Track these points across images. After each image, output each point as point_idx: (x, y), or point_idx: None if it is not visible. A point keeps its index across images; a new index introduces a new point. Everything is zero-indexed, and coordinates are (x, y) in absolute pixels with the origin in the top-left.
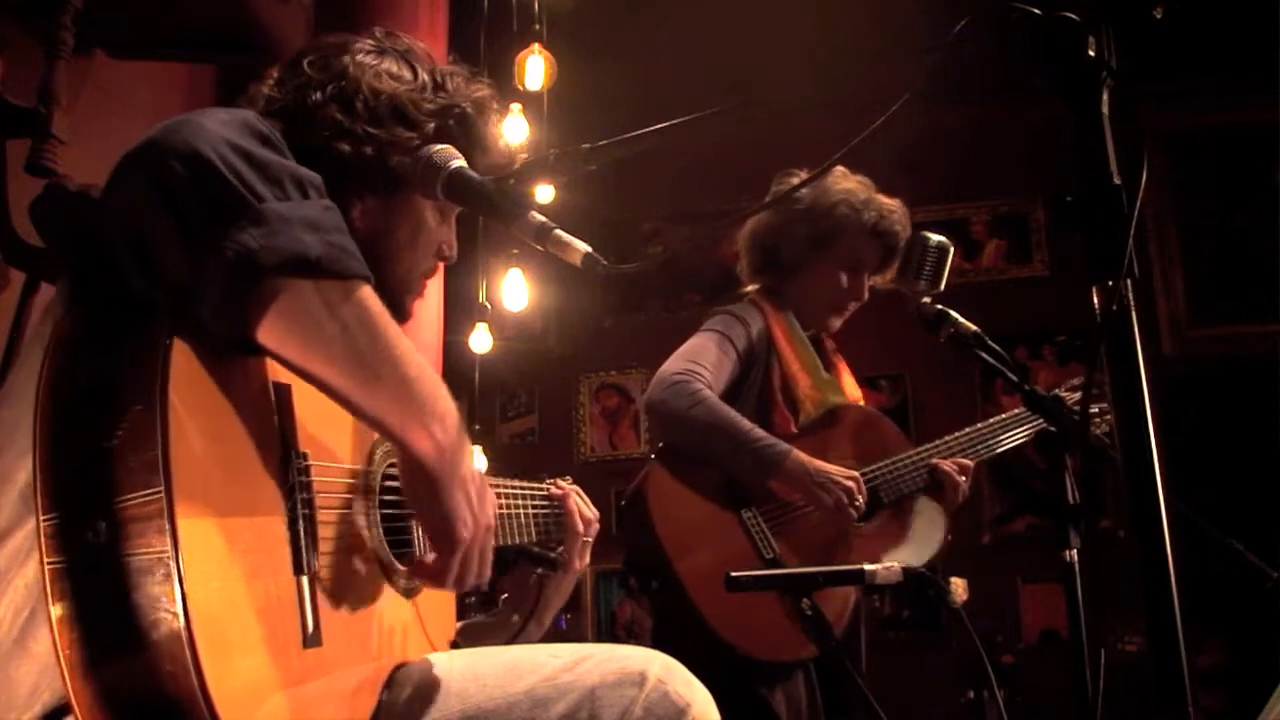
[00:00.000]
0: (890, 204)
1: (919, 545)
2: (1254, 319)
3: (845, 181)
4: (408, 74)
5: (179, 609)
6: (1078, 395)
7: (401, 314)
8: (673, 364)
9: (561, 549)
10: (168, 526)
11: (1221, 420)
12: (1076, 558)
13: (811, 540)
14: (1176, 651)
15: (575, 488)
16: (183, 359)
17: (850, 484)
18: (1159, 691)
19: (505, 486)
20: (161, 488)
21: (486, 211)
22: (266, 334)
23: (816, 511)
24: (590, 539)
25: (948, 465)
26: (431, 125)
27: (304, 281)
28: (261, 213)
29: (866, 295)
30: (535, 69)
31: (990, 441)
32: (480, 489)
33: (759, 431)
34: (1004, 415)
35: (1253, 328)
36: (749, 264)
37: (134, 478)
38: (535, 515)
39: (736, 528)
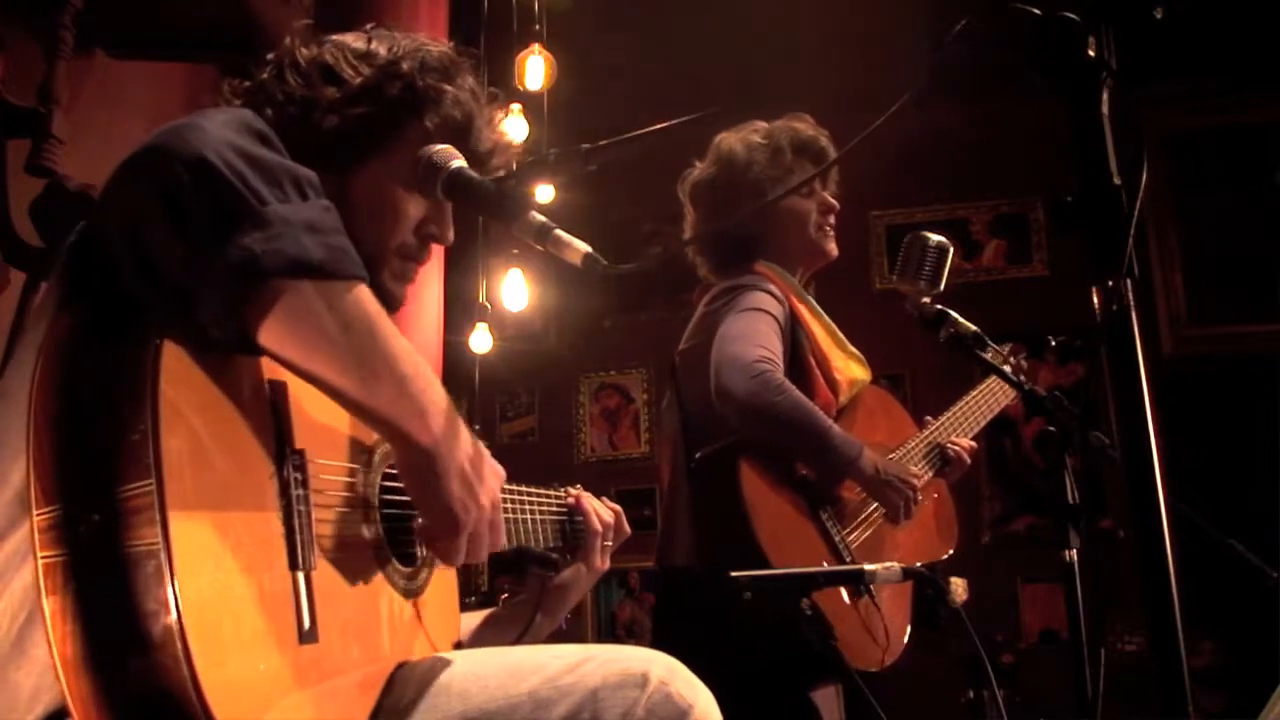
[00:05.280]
0: (793, 125)
1: (943, 533)
2: (1254, 319)
3: (743, 136)
4: (359, 45)
5: (170, 600)
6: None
7: (385, 298)
8: (743, 348)
9: (569, 554)
10: (158, 518)
11: (1221, 420)
12: (1076, 558)
13: (861, 541)
14: (1176, 651)
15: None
16: (174, 357)
17: (915, 482)
18: (1159, 691)
19: (512, 492)
20: (152, 480)
21: (486, 211)
22: (268, 336)
23: (879, 511)
24: (610, 542)
25: (960, 444)
26: (360, 83)
27: (304, 283)
28: (265, 216)
29: (837, 202)
30: (535, 69)
31: (976, 416)
32: (480, 469)
33: (836, 426)
34: (975, 391)
35: (1253, 328)
36: (729, 251)
37: (125, 472)
38: (543, 521)
39: (816, 530)
